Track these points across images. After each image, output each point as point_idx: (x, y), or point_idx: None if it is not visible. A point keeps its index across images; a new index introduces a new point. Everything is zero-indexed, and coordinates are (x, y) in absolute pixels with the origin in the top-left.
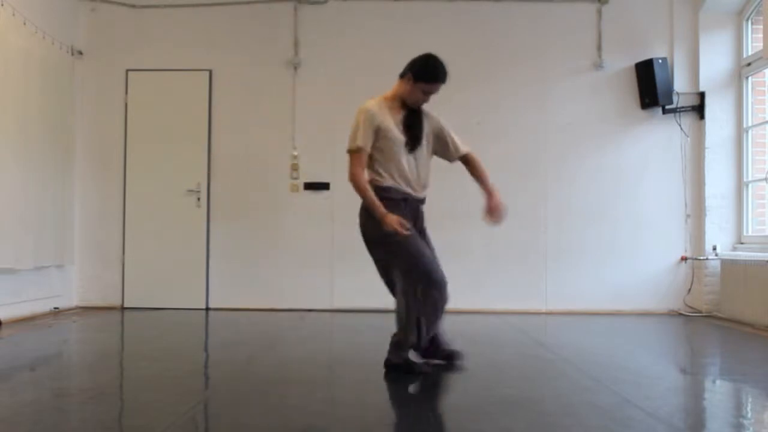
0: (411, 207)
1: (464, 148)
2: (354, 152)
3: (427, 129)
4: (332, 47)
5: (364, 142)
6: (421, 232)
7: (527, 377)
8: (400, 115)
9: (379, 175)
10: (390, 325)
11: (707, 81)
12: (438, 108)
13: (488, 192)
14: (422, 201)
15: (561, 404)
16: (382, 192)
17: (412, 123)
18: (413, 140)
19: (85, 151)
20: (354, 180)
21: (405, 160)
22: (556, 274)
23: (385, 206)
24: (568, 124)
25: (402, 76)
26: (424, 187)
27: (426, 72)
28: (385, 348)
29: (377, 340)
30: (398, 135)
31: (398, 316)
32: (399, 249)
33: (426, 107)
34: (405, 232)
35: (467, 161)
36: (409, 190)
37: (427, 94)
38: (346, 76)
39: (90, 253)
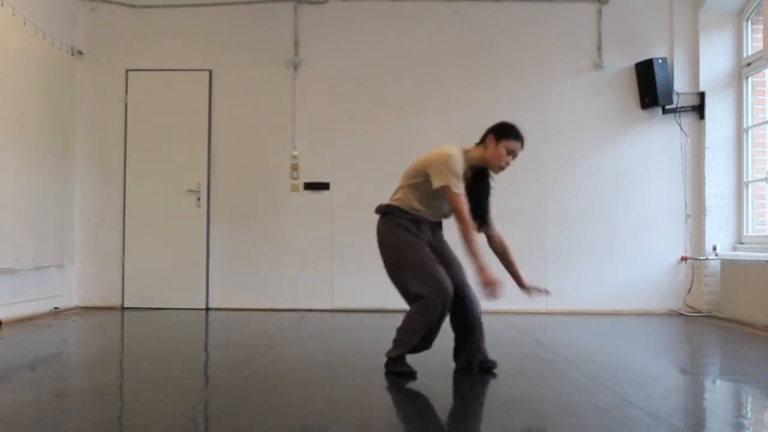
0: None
1: (496, 226)
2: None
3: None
4: (332, 47)
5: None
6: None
7: (527, 377)
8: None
9: (413, 201)
10: (389, 325)
11: (707, 81)
12: (438, 108)
13: (517, 277)
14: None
15: (561, 404)
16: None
17: (479, 190)
18: (476, 211)
19: (85, 151)
20: (466, 221)
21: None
22: (557, 275)
23: (406, 221)
24: (568, 125)
25: (481, 141)
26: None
27: (508, 130)
28: (384, 348)
29: (377, 340)
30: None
31: (405, 315)
32: (409, 259)
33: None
34: (497, 293)
35: (495, 240)
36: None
37: (510, 154)
38: (346, 76)
39: (90, 253)
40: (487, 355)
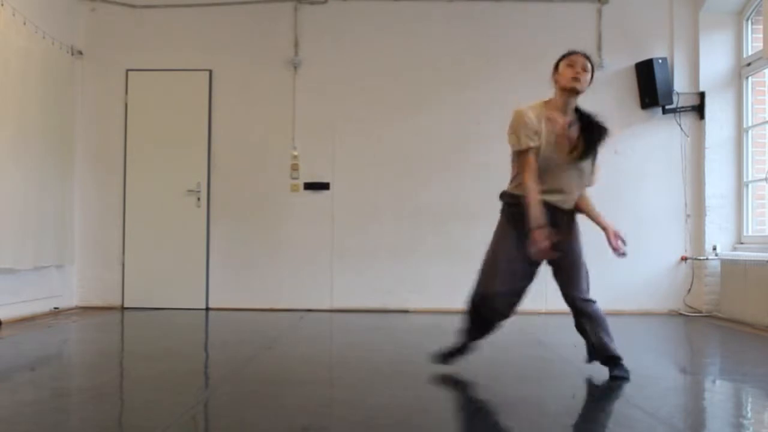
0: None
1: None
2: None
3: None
4: (332, 47)
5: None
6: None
7: (527, 377)
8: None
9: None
10: (389, 325)
11: (707, 81)
12: (438, 108)
13: (604, 226)
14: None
15: (561, 404)
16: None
17: (588, 133)
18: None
19: (85, 151)
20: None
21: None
22: None
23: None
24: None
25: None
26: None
27: (561, 56)
28: (384, 348)
29: (377, 340)
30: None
31: None
32: (491, 251)
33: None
34: (542, 256)
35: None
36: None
37: (572, 66)
38: (346, 76)
39: (90, 253)
40: (610, 351)
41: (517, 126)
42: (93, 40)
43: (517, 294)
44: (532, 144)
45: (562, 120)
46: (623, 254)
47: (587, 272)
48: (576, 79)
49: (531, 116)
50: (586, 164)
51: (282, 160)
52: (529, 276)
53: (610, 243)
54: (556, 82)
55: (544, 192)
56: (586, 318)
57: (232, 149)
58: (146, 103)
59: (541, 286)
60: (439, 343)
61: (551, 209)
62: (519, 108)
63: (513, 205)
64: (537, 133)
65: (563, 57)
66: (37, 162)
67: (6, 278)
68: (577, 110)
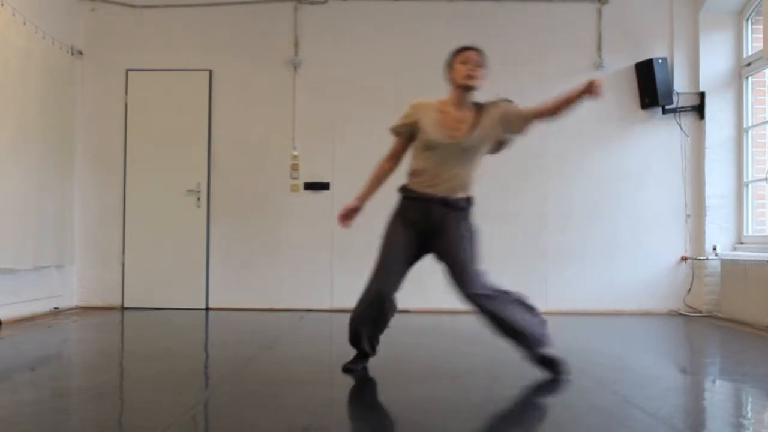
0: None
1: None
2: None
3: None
4: (332, 47)
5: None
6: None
7: (527, 377)
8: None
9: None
10: (389, 325)
11: (707, 81)
12: None
13: (576, 91)
14: (443, 201)
15: (561, 404)
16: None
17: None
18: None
19: (85, 151)
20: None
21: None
22: (557, 274)
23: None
24: (568, 125)
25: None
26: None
27: (454, 51)
28: (384, 348)
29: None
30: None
31: None
32: (381, 246)
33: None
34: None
35: (539, 115)
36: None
37: (466, 63)
38: (346, 76)
39: (90, 253)
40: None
41: (403, 114)
42: (93, 40)
43: (398, 283)
44: (399, 130)
45: (455, 114)
46: (597, 93)
47: (481, 271)
48: (470, 76)
49: (416, 107)
50: (476, 144)
51: (282, 160)
52: (408, 262)
53: (585, 91)
54: (451, 79)
55: (424, 184)
56: (489, 316)
57: (232, 149)
58: (146, 103)
59: (541, 286)
60: (439, 343)
61: (427, 203)
62: (417, 100)
63: (401, 198)
64: (411, 124)
65: (456, 53)
66: (37, 162)
67: (6, 278)
68: (476, 104)
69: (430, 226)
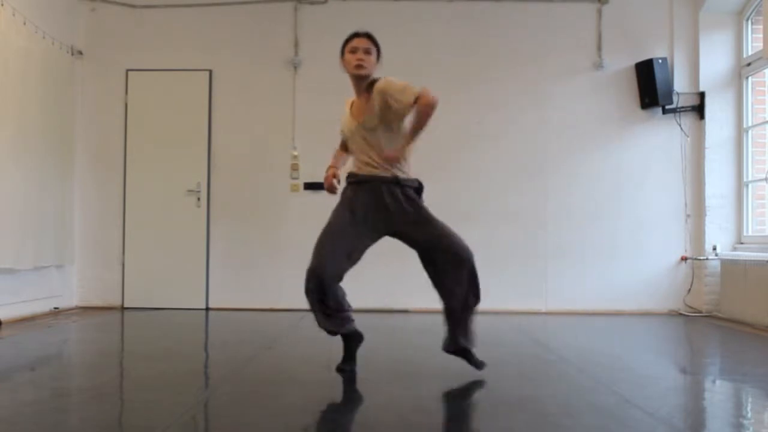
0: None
1: (415, 92)
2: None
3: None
4: (332, 47)
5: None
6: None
7: (527, 377)
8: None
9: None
10: (389, 325)
11: (707, 81)
12: (437, 107)
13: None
14: (388, 180)
15: (561, 404)
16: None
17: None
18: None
19: (85, 151)
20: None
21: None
22: (556, 274)
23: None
24: (568, 125)
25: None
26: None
27: (343, 41)
28: (384, 348)
29: (377, 340)
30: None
31: None
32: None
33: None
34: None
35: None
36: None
37: (354, 52)
38: (346, 76)
39: (90, 253)
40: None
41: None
42: (93, 40)
43: (342, 269)
44: (342, 131)
45: (357, 102)
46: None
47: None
48: (359, 66)
49: (346, 108)
50: (377, 125)
51: (282, 160)
52: (356, 250)
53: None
54: (344, 69)
55: (358, 165)
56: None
57: (232, 149)
58: (146, 103)
59: (541, 286)
60: (439, 343)
61: (373, 185)
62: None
63: (348, 184)
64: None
65: (345, 42)
66: (37, 162)
67: (6, 278)
68: (369, 86)
69: (376, 208)
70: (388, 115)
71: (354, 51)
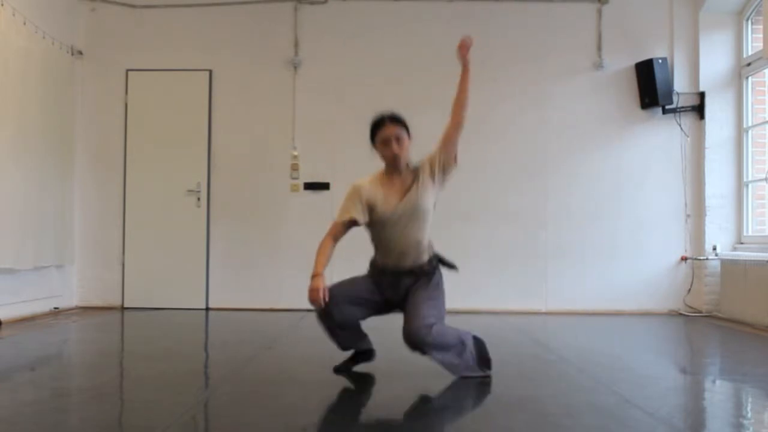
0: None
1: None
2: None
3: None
4: (332, 47)
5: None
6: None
7: (527, 377)
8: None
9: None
10: (389, 326)
11: (707, 81)
12: (438, 108)
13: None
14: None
15: (561, 404)
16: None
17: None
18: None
19: (85, 151)
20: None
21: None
22: (556, 274)
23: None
24: (568, 125)
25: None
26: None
27: (371, 128)
28: (384, 348)
29: (376, 340)
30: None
31: None
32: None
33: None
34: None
35: (453, 116)
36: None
37: (385, 143)
38: (346, 76)
39: (90, 253)
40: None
41: (346, 199)
42: (93, 40)
43: (348, 318)
44: (344, 218)
45: (398, 181)
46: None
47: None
48: (396, 156)
49: (365, 190)
50: (419, 201)
51: (282, 160)
52: (364, 310)
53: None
54: (379, 156)
55: (386, 261)
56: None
57: (232, 149)
58: (146, 103)
59: (541, 286)
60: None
61: (394, 275)
62: (355, 182)
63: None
64: (365, 206)
65: (374, 130)
66: (37, 162)
67: (6, 278)
68: (410, 167)
69: (400, 292)
70: (435, 187)
71: (386, 143)
